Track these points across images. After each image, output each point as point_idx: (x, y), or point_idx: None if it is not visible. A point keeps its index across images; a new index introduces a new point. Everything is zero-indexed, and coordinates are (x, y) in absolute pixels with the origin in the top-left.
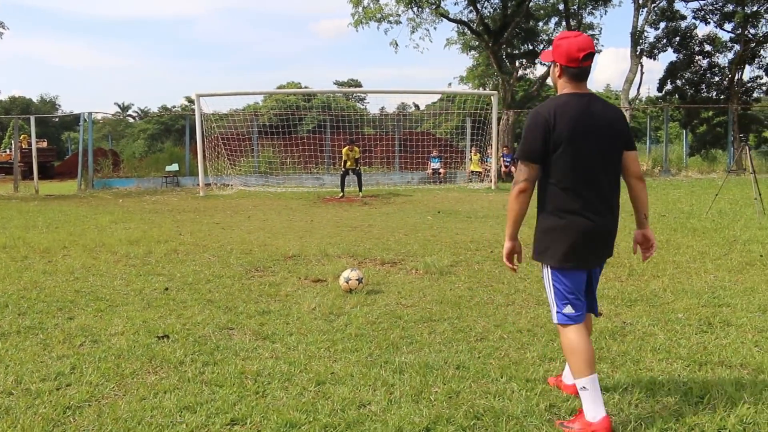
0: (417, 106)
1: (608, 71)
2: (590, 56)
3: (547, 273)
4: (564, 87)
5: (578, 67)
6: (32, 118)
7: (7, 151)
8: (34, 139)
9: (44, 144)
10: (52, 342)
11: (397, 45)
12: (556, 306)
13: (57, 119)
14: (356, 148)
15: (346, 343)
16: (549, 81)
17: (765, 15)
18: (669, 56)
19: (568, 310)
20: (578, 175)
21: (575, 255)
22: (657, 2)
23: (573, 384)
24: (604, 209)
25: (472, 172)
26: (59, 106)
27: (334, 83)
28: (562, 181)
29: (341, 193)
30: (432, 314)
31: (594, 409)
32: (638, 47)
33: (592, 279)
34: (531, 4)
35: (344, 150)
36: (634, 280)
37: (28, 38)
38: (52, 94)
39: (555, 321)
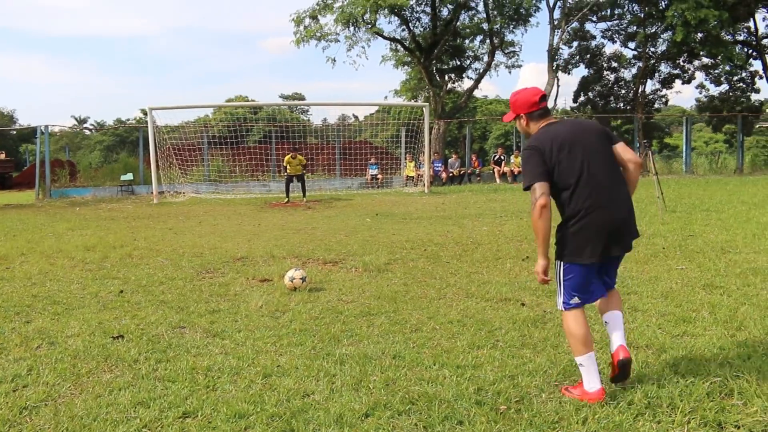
0: (356, 117)
1: (528, 84)
2: (544, 98)
3: (560, 267)
4: (535, 129)
5: (539, 109)
6: None
7: None
8: None
9: (2, 156)
10: (9, 345)
11: (334, 61)
12: (563, 297)
13: (14, 132)
14: (299, 156)
15: (291, 338)
16: (476, 93)
17: (662, 35)
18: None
19: (575, 301)
20: (579, 181)
21: (591, 250)
22: (570, 23)
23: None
24: (611, 201)
25: (408, 177)
26: (16, 119)
27: (280, 96)
28: (568, 190)
29: (286, 199)
30: (370, 309)
31: (591, 381)
32: (554, 63)
33: (609, 268)
34: (458, 23)
35: (286, 158)
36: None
37: None
38: (9, 108)
39: (559, 308)
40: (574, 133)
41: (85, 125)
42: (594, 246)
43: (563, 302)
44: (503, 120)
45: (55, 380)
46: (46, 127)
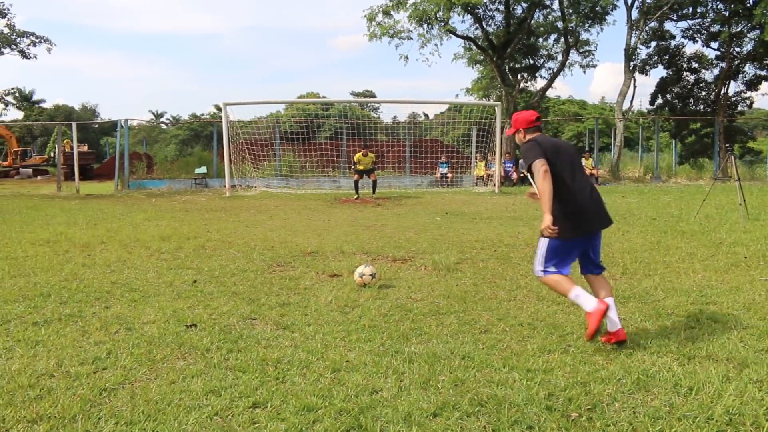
0: (426, 116)
1: (604, 85)
2: (539, 118)
3: (544, 241)
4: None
5: (535, 126)
6: (74, 125)
7: (43, 154)
8: (75, 144)
9: (85, 148)
10: (90, 329)
11: (407, 59)
12: (542, 265)
13: (96, 125)
14: (371, 154)
15: (359, 334)
16: (549, 93)
17: (748, 34)
18: (660, 72)
19: (551, 268)
20: (564, 178)
21: (574, 229)
22: (649, 22)
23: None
24: (587, 192)
25: (478, 176)
26: (98, 113)
27: (350, 93)
28: (561, 184)
29: (356, 195)
30: (440, 308)
31: (588, 304)
32: (631, 63)
33: (590, 250)
34: (532, 22)
35: (357, 155)
36: (627, 279)
37: (71, 52)
38: (92, 102)
39: (536, 274)
40: (562, 145)
41: (161, 119)
42: (574, 228)
43: (542, 270)
44: (506, 134)
45: (132, 365)
46: (126, 121)
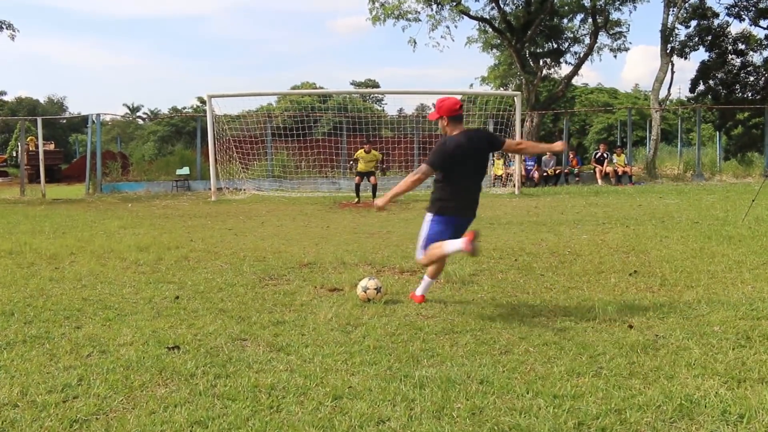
0: None
1: (637, 70)
2: (462, 107)
3: (429, 219)
4: (452, 131)
5: (457, 115)
6: (39, 120)
7: (2, 154)
8: (41, 141)
9: (51, 146)
10: (59, 352)
11: (415, 43)
12: (425, 242)
13: (64, 121)
14: (374, 151)
15: (364, 356)
16: (574, 81)
17: None
18: (701, 55)
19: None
20: (460, 178)
21: (454, 211)
22: None
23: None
24: (471, 193)
25: (495, 176)
26: (66, 107)
27: (351, 84)
28: (455, 182)
29: (356, 199)
30: (454, 326)
31: (457, 244)
32: (668, 46)
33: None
34: (555, 0)
35: (359, 152)
36: (666, 291)
37: (35, 37)
38: (60, 95)
39: (418, 257)
40: (471, 146)
41: (137, 114)
42: (455, 212)
43: (423, 247)
44: (429, 118)
45: (107, 392)
46: (98, 116)
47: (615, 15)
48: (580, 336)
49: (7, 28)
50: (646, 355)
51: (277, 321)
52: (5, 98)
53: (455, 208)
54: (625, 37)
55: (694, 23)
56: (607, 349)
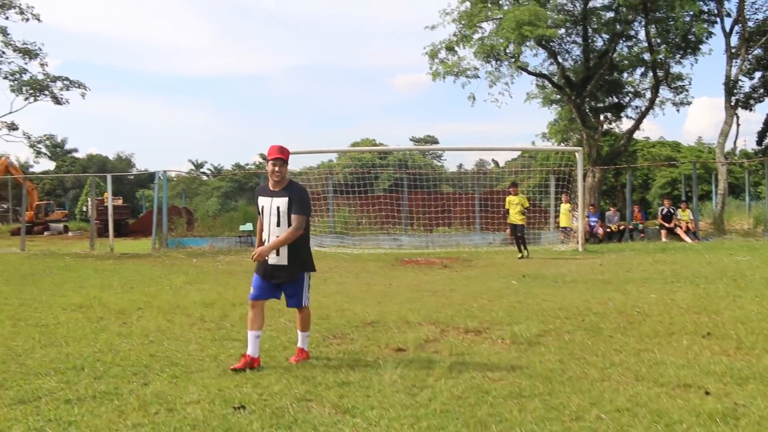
0: (496, 163)
1: (701, 123)
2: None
3: (308, 277)
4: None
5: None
6: (109, 177)
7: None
8: (110, 197)
9: (120, 202)
10: (128, 409)
11: (474, 99)
12: (306, 296)
13: (132, 177)
14: (521, 195)
15: (430, 420)
16: (636, 135)
17: None
18: (767, 107)
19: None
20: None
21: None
22: (751, 50)
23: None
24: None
25: (562, 226)
26: (134, 163)
27: (411, 140)
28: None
29: (521, 253)
30: (521, 389)
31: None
32: (732, 98)
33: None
34: (614, 55)
35: (509, 198)
36: (743, 355)
37: (105, 97)
38: (128, 151)
39: (306, 304)
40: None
41: (201, 170)
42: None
43: (307, 299)
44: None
45: None
46: (165, 172)
47: (676, 68)
48: (654, 402)
49: (78, 87)
50: (725, 425)
51: (342, 381)
52: (77, 155)
53: None
54: (687, 90)
55: (758, 74)
56: (683, 418)
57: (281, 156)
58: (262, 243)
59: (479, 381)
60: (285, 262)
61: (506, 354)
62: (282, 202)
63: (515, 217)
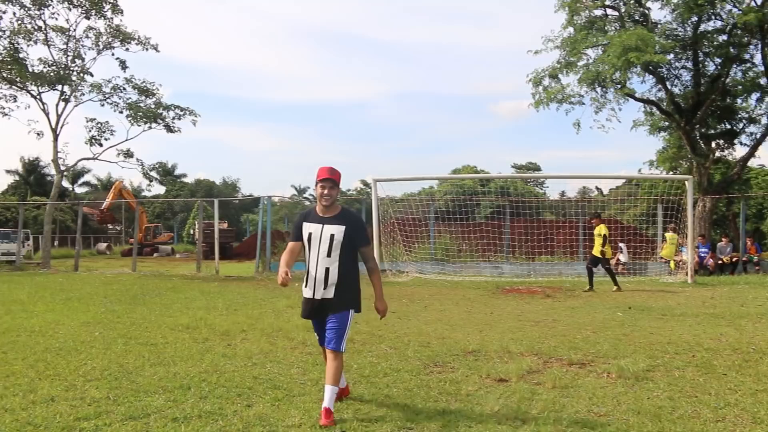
0: (600, 191)
1: None
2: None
3: (352, 317)
4: None
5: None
6: (216, 201)
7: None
8: (216, 221)
9: (225, 225)
10: (231, 429)
11: (579, 126)
12: (345, 339)
13: (237, 201)
14: (602, 225)
15: None
16: (750, 162)
17: None
18: None
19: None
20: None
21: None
22: None
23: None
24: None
25: (666, 259)
26: (239, 188)
27: (512, 167)
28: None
29: (615, 286)
30: (629, 426)
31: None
32: None
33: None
34: (727, 80)
35: (601, 228)
36: None
37: (212, 124)
38: (234, 176)
39: (342, 349)
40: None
41: (304, 195)
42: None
43: (344, 344)
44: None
45: None
46: (269, 197)
47: None
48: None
49: (190, 114)
50: None
51: (443, 411)
52: (186, 180)
53: None
54: None
55: None
56: None
57: (332, 177)
58: (286, 273)
59: (584, 415)
60: (331, 295)
61: (612, 388)
62: (337, 230)
63: (598, 248)
